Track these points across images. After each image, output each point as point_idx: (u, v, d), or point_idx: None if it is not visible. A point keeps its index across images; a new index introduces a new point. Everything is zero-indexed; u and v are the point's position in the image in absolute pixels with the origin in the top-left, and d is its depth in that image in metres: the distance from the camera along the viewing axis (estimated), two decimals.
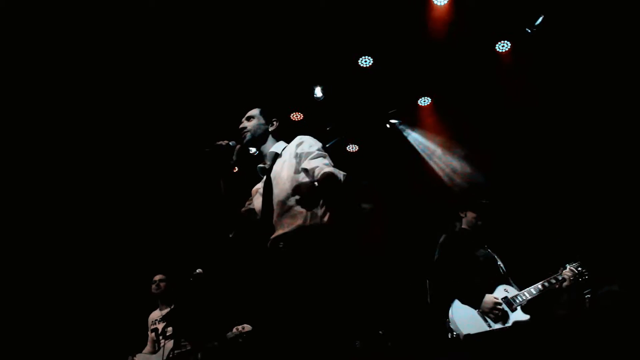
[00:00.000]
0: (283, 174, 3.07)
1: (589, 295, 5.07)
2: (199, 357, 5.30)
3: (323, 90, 7.16)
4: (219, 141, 3.14)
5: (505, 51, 6.75)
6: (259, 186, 3.36)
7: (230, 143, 3.19)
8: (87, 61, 6.16)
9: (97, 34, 5.88)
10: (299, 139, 3.17)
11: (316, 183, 2.92)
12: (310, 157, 2.99)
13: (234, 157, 3.17)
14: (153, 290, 5.92)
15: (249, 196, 3.44)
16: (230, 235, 3.20)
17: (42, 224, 7.07)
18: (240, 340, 5.31)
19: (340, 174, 2.84)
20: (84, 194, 7.32)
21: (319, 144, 3.12)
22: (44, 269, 7.05)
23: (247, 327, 5.40)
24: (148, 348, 5.84)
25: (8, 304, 6.68)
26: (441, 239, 4.84)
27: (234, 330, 5.39)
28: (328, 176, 2.82)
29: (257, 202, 3.28)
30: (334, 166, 2.94)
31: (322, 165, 2.91)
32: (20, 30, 5.60)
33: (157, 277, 5.95)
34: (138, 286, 6.31)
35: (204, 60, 6.43)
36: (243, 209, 3.33)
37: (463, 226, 4.92)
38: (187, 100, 6.89)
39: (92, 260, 7.37)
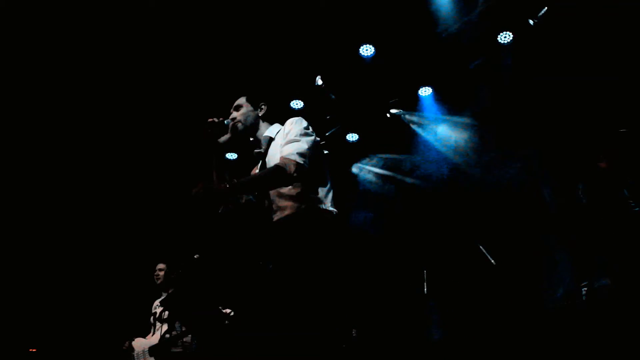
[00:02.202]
0: (274, 159, 3.05)
1: (585, 288, 5.08)
2: (190, 338, 5.36)
3: (323, 79, 7.12)
4: (210, 118, 3.15)
5: (508, 43, 6.71)
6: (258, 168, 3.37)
7: (226, 121, 3.20)
8: (87, 61, 6.18)
9: (97, 34, 5.89)
10: (288, 121, 3.15)
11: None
12: (286, 142, 2.98)
13: (228, 135, 3.19)
14: (155, 279, 6.02)
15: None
16: (220, 211, 3.19)
17: (46, 213, 7.15)
18: (227, 322, 5.35)
19: (294, 166, 2.81)
20: (83, 183, 7.37)
21: (301, 126, 3.05)
22: (50, 255, 7.14)
23: (228, 311, 5.47)
24: (150, 333, 5.92)
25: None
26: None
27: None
28: (277, 167, 2.84)
29: None
30: (305, 151, 2.90)
31: (286, 152, 2.88)
32: (21, 30, 5.61)
33: (158, 267, 6.04)
34: (144, 274, 6.35)
35: (203, 52, 6.42)
36: None
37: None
38: (187, 91, 6.90)
39: (96, 249, 7.45)
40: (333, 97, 7.20)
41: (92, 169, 7.42)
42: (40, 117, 6.63)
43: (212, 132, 3.14)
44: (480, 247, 6.06)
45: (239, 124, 3.24)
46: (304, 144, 2.93)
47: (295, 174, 2.80)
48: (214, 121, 3.14)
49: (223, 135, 3.19)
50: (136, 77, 6.55)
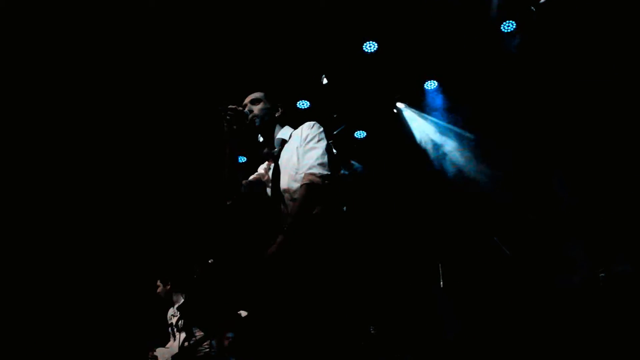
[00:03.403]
0: (290, 163, 3.06)
1: (603, 274, 5.05)
2: (211, 344, 5.38)
3: (328, 77, 7.11)
4: (232, 105, 3.10)
5: (511, 31, 6.67)
6: (265, 167, 3.37)
7: (246, 110, 3.16)
8: (87, 61, 6.15)
9: (97, 34, 5.86)
10: (304, 125, 3.15)
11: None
12: (304, 149, 3.00)
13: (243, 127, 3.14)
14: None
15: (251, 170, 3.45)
16: (228, 203, 3.17)
17: (53, 219, 7.15)
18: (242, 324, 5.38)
19: (318, 177, 2.85)
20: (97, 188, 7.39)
21: (317, 132, 3.07)
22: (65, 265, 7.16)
23: (243, 313, 5.48)
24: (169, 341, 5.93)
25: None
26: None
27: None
28: (306, 186, 2.84)
29: (261, 179, 3.32)
30: (322, 161, 2.92)
31: (309, 164, 2.91)
32: (21, 30, 5.58)
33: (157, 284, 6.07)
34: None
35: (206, 49, 6.38)
36: (244, 181, 3.30)
37: None
38: (190, 91, 6.86)
39: (111, 260, 7.47)
40: (325, 81, 7.14)
41: (105, 173, 7.41)
42: (41, 120, 6.59)
43: (231, 119, 3.07)
44: (495, 238, 6.04)
45: (257, 119, 3.19)
46: (322, 151, 2.95)
47: (323, 185, 2.84)
48: (235, 108, 3.10)
49: (241, 124, 3.11)
50: (136, 76, 6.53)
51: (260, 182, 3.33)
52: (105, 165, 7.31)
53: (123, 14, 5.72)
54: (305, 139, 3.03)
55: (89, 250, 7.37)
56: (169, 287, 5.98)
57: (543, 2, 6.27)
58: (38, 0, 5.38)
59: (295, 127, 3.25)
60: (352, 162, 8.22)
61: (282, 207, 3.05)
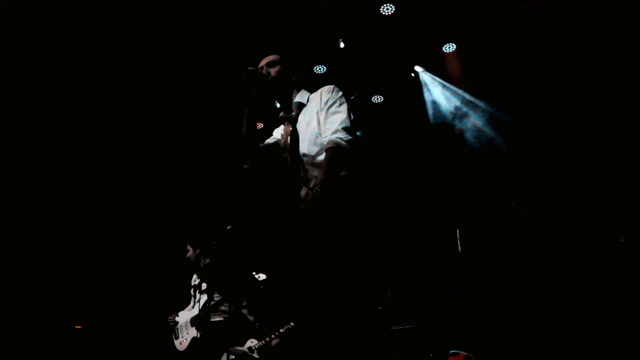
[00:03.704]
0: (310, 127, 3.04)
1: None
2: (230, 308, 5.47)
3: (345, 41, 7.03)
4: (250, 67, 3.08)
5: None
6: (281, 132, 3.35)
7: (264, 73, 3.14)
8: (87, 61, 6.20)
9: (97, 34, 5.90)
10: (324, 89, 3.12)
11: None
12: (325, 113, 2.98)
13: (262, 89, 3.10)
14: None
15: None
16: (246, 167, 3.17)
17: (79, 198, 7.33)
18: (261, 286, 5.45)
19: (345, 141, 2.83)
20: (111, 162, 7.49)
21: (337, 95, 3.05)
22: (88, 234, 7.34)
23: (262, 276, 5.54)
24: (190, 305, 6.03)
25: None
26: None
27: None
28: (333, 150, 2.81)
29: (278, 143, 3.31)
30: (346, 125, 2.91)
31: (334, 128, 2.89)
32: (21, 30, 5.61)
33: (187, 248, 6.14)
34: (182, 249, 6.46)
35: (221, 12, 6.31)
36: (261, 144, 3.29)
37: None
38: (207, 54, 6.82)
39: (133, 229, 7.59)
40: (342, 45, 7.06)
41: (118, 147, 7.51)
42: (42, 120, 6.70)
43: (250, 81, 3.05)
44: (513, 203, 6.00)
45: (274, 82, 3.16)
46: (345, 115, 2.94)
47: (349, 149, 2.82)
48: (254, 70, 3.08)
49: (259, 86, 3.07)
50: (137, 75, 6.62)
51: (277, 146, 3.32)
52: (125, 129, 7.42)
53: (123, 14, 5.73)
54: (326, 103, 3.00)
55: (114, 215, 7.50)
56: (198, 251, 6.05)
57: None
58: (38, 0, 5.38)
59: (311, 91, 3.23)
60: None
61: (301, 171, 3.04)
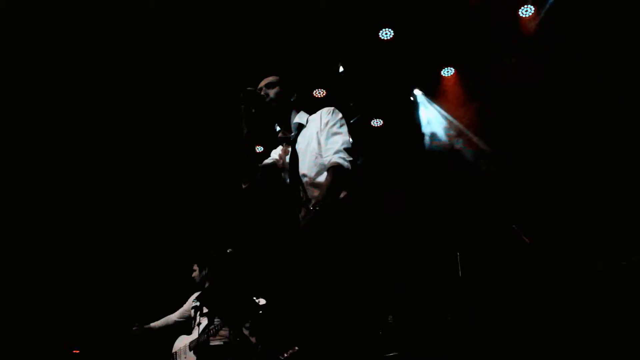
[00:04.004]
0: (310, 148, 3.04)
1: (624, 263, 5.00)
2: (230, 332, 5.40)
3: (345, 65, 7.09)
4: (249, 88, 3.10)
5: (529, 16, 6.60)
6: (279, 152, 3.34)
7: (262, 94, 3.15)
8: (87, 61, 6.19)
9: (97, 34, 5.90)
10: (323, 111, 3.14)
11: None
12: (326, 134, 3.00)
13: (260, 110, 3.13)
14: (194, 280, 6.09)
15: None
16: (244, 186, 3.16)
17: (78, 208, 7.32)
18: (260, 312, 5.38)
19: (347, 162, 2.85)
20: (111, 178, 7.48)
21: (337, 117, 3.07)
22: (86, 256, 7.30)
23: (262, 301, 5.48)
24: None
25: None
26: None
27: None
28: (335, 169, 2.83)
29: (276, 164, 3.30)
30: (348, 146, 2.93)
31: (335, 148, 2.90)
32: (21, 30, 5.62)
33: (194, 268, 6.10)
34: (179, 271, 6.42)
35: (221, 34, 6.38)
36: (260, 164, 3.29)
37: None
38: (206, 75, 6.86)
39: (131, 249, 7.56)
40: (342, 69, 7.11)
41: (119, 162, 7.52)
42: (42, 120, 6.68)
43: (249, 102, 3.07)
44: (514, 226, 5.98)
45: (273, 103, 3.18)
46: (346, 136, 2.97)
47: (349, 170, 2.84)
48: (253, 90, 3.11)
49: (257, 106, 3.11)
50: (138, 75, 6.59)
51: (275, 166, 3.32)
52: (124, 152, 7.44)
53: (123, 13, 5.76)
54: (327, 124, 3.03)
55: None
56: (205, 272, 6.01)
57: None
58: (38, 0, 5.41)
59: (310, 113, 3.25)
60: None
61: (300, 191, 3.04)
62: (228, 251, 5.21)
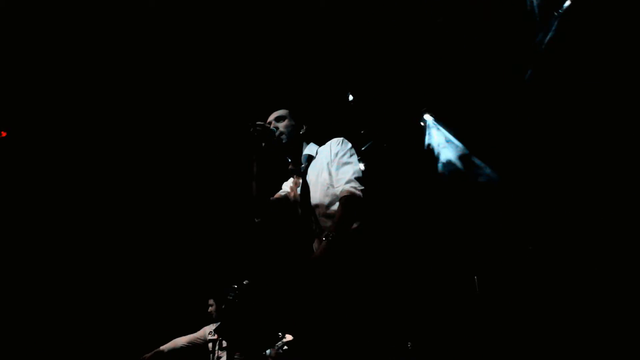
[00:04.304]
0: (321, 178, 3.08)
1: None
2: None
3: (354, 94, 7.16)
4: (259, 122, 3.14)
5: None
6: (290, 184, 3.38)
7: (272, 127, 3.19)
8: (87, 61, 6.14)
9: (97, 34, 5.85)
10: (333, 141, 3.18)
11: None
12: (337, 164, 3.03)
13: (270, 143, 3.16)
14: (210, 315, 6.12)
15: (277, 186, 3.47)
16: (257, 220, 3.19)
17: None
18: (285, 347, 5.35)
19: (359, 191, 2.88)
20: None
21: (347, 147, 3.12)
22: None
23: (289, 337, 5.46)
24: None
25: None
26: None
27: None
28: (347, 199, 2.86)
29: (288, 196, 3.33)
30: (359, 175, 2.96)
31: (347, 178, 2.93)
32: (21, 30, 5.61)
33: (209, 302, 6.12)
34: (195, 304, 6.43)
35: (229, 65, 6.44)
36: (272, 197, 3.31)
37: None
38: (215, 109, 6.94)
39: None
40: (351, 98, 7.17)
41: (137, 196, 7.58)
42: (43, 121, 6.64)
43: (258, 136, 3.11)
44: (530, 247, 5.96)
45: (283, 136, 3.22)
46: (357, 166, 3.00)
47: (362, 197, 2.87)
48: (262, 125, 3.15)
49: (268, 141, 3.15)
50: (139, 79, 6.52)
51: (287, 199, 3.35)
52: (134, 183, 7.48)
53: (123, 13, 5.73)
54: (337, 154, 3.06)
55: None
56: (223, 307, 6.00)
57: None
58: (38, 0, 5.41)
59: (320, 144, 3.29)
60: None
61: (313, 222, 3.07)
62: (245, 283, 5.22)
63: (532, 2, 6.24)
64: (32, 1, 5.39)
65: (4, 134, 6.42)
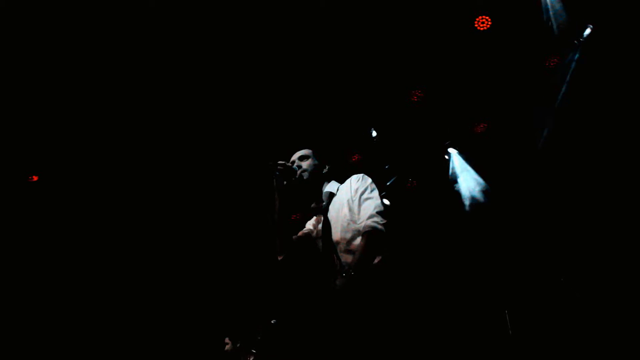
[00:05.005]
0: (341, 214, 3.10)
1: None
2: None
3: (377, 130, 7.20)
4: (281, 161, 3.19)
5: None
6: (313, 222, 3.41)
7: (294, 167, 3.25)
8: (88, 61, 6.13)
9: (97, 34, 5.85)
10: (353, 178, 3.22)
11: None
12: (358, 201, 3.07)
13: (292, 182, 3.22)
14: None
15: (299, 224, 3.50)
16: (280, 258, 3.21)
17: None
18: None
19: (381, 225, 2.89)
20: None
21: (367, 183, 3.15)
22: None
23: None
24: None
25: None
26: None
27: None
28: (369, 234, 2.88)
29: (310, 234, 3.36)
30: (380, 210, 2.97)
31: (369, 213, 2.95)
32: (21, 30, 5.63)
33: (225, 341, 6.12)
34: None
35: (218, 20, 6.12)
36: (294, 236, 3.33)
37: None
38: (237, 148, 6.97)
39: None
40: (375, 134, 7.19)
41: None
42: (44, 121, 6.62)
43: (280, 175, 3.16)
44: (562, 279, 5.83)
45: (305, 174, 3.28)
46: (378, 200, 3.03)
47: (384, 232, 2.89)
48: (285, 164, 3.20)
49: (289, 180, 3.20)
50: (139, 79, 6.47)
51: (309, 237, 3.37)
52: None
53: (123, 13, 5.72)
54: (357, 191, 3.10)
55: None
56: (238, 345, 5.99)
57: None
58: (38, 0, 5.44)
59: (341, 180, 3.33)
60: None
61: (335, 258, 3.07)
62: (272, 322, 5.21)
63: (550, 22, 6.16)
64: (32, 1, 5.42)
65: (35, 178, 6.62)
